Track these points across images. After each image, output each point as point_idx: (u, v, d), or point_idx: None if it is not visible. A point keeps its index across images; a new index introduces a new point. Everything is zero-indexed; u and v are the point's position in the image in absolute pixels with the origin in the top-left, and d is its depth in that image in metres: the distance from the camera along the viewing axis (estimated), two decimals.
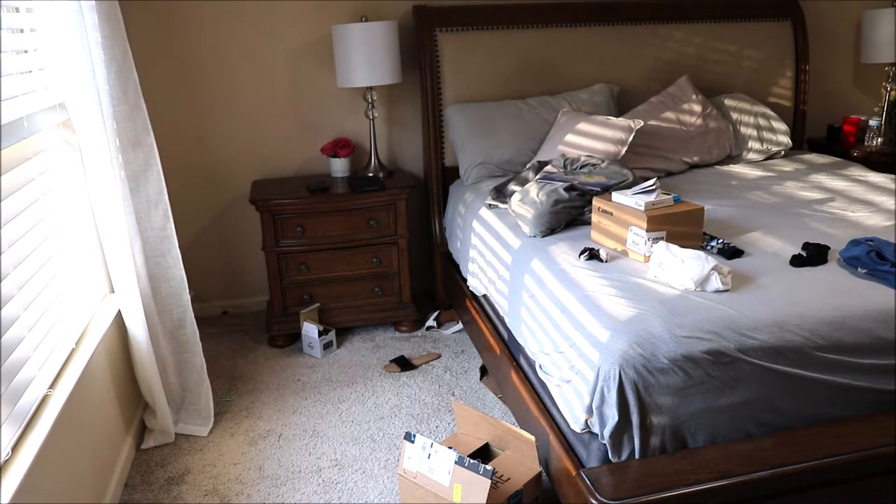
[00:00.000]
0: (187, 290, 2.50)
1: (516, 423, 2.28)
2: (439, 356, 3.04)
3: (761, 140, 3.34)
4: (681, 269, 1.90)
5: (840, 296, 1.82)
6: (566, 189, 2.43)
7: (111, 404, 2.31)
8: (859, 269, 1.94)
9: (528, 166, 2.86)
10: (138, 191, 2.34)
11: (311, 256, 3.12)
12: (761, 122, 3.37)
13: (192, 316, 2.53)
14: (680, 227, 2.12)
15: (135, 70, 2.26)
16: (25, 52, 2.08)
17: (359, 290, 3.22)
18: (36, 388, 1.80)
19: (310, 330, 3.07)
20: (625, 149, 2.92)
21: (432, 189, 3.36)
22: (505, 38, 3.30)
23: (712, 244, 2.15)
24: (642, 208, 2.10)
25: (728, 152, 3.31)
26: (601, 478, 1.60)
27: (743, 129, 3.35)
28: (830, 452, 1.61)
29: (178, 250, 2.45)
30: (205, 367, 2.58)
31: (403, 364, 2.96)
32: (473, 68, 3.29)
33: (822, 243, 2.10)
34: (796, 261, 2.03)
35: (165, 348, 2.49)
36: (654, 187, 2.20)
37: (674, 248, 1.98)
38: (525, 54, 3.33)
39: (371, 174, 3.29)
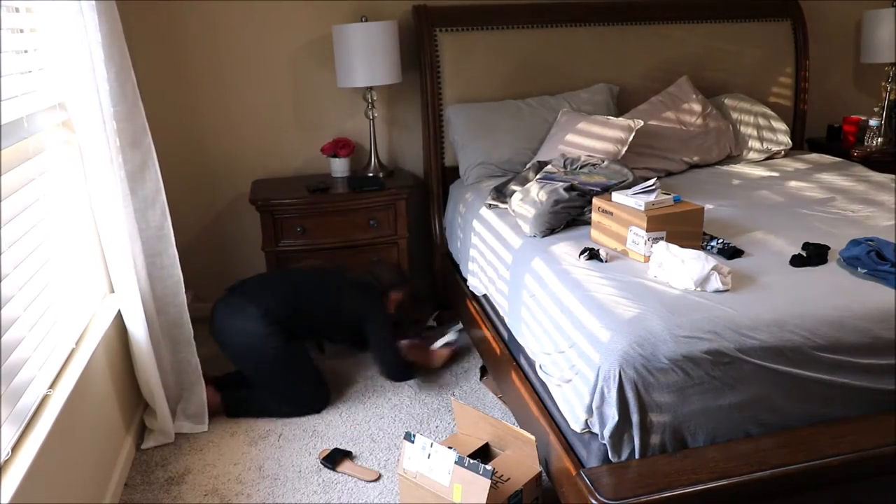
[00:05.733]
0: (183, 290, 2.51)
1: (516, 423, 2.28)
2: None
3: (761, 140, 3.34)
4: (681, 269, 1.90)
5: (840, 296, 1.82)
6: (566, 189, 2.43)
7: (111, 404, 2.31)
8: (859, 269, 1.94)
9: (528, 166, 2.86)
10: (136, 190, 2.34)
11: (311, 256, 3.12)
12: (761, 121, 3.37)
13: (188, 315, 2.54)
14: (680, 227, 2.12)
15: (132, 70, 2.27)
16: (25, 52, 2.08)
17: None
18: (36, 388, 1.80)
19: None
20: (625, 148, 2.92)
21: (432, 189, 3.36)
22: (505, 38, 3.30)
23: (712, 244, 2.15)
24: (642, 208, 2.10)
25: (728, 152, 3.31)
26: (601, 478, 1.60)
27: (743, 129, 3.35)
28: (830, 452, 1.61)
29: (175, 249, 2.45)
30: (199, 367, 2.58)
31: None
32: (473, 68, 3.29)
33: (822, 243, 2.10)
34: (796, 261, 2.03)
35: (163, 348, 2.50)
36: (654, 187, 2.20)
37: (674, 248, 1.98)
38: (525, 54, 3.33)
39: (371, 174, 3.29)
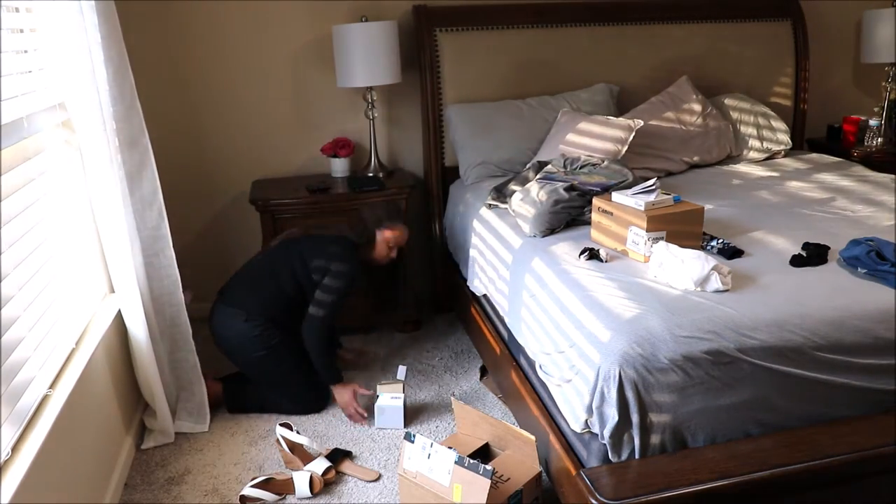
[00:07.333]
0: (180, 289, 2.51)
1: (516, 423, 2.28)
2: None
3: (761, 140, 3.34)
4: (681, 269, 1.90)
5: (840, 296, 1.82)
6: (566, 189, 2.43)
7: (111, 404, 2.31)
8: (859, 269, 1.94)
9: (528, 166, 2.86)
10: (133, 191, 2.34)
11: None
12: (761, 121, 3.37)
13: (186, 315, 2.54)
14: (680, 226, 2.12)
15: (130, 70, 2.27)
16: (25, 52, 2.08)
17: (358, 290, 3.22)
18: (36, 388, 1.80)
19: None
20: (625, 148, 2.92)
21: (432, 189, 3.36)
22: (505, 38, 3.30)
23: (712, 244, 2.15)
24: (642, 208, 2.10)
25: (728, 152, 3.31)
26: (601, 478, 1.60)
27: (743, 129, 3.35)
28: (830, 452, 1.61)
29: (172, 250, 2.46)
30: (199, 366, 2.58)
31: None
32: (473, 68, 3.29)
33: (822, 243, 2.10)
34: (796, 261, 2.03)
35: (161, 348, 2.50)
36: (654, 187, 2.20)
37: (674, 247, 1.98)
38: (525, 54, 3.33)
39: (371, 174, 3.29)
